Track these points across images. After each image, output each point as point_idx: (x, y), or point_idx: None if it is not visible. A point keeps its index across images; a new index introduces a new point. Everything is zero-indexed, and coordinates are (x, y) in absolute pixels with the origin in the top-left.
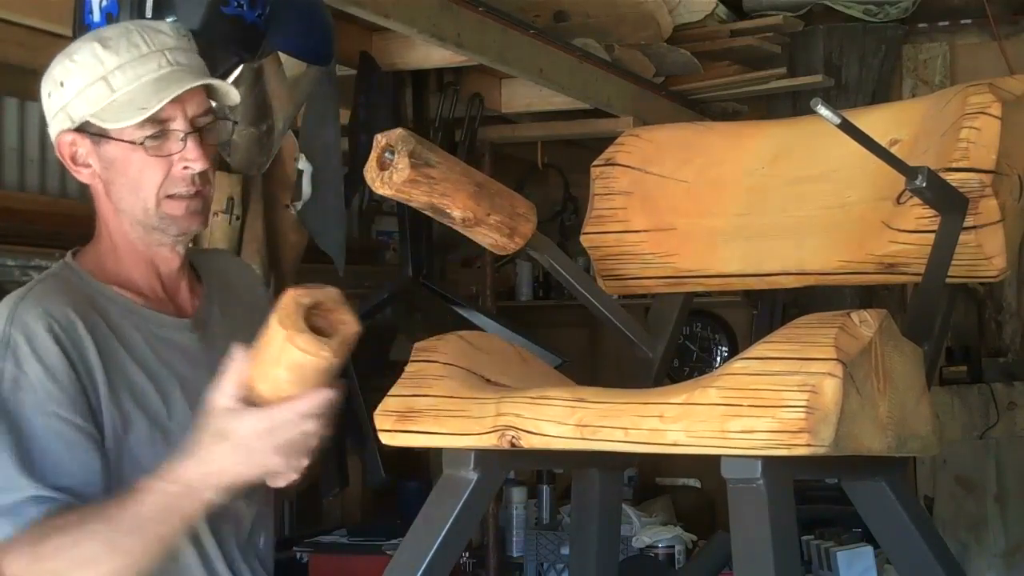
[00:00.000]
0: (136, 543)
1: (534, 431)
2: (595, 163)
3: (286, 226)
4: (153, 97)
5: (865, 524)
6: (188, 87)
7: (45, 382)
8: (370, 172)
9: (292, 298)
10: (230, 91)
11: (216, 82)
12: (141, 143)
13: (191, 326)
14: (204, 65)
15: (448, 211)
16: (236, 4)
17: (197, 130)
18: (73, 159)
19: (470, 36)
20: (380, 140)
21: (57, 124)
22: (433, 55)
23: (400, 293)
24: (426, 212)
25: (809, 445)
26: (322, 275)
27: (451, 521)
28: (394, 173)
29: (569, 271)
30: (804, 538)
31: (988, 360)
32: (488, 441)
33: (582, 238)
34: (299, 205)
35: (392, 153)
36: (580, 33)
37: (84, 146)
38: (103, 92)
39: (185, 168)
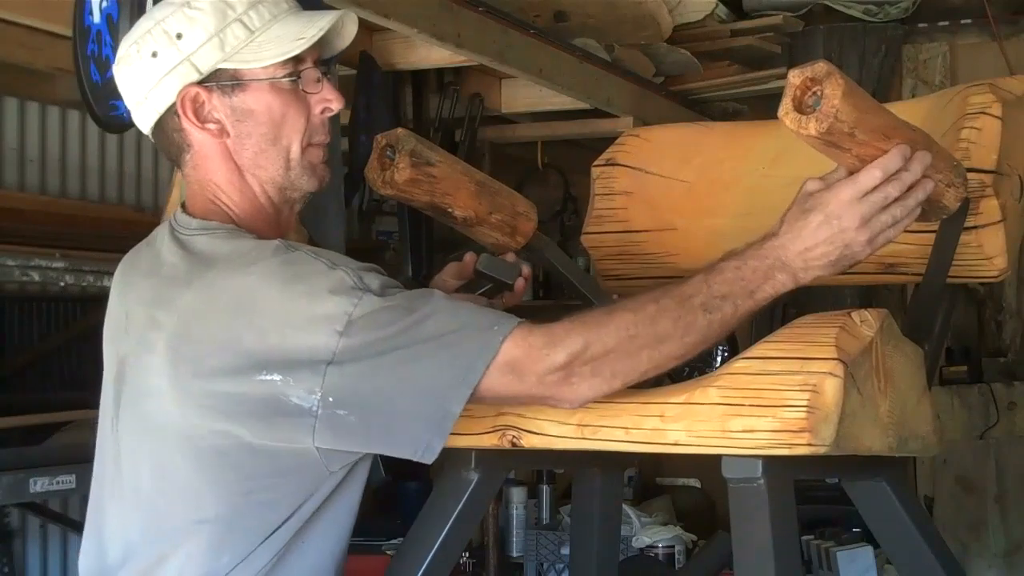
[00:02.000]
0: (713, 319)
1: (534, 431)
2: (595, 163)
3: None
4: (303, 30)
5: (865, 524)
6: (333, 19)
7: None
8: (371, 172)
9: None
10: (348, 28)
11: (347, 16)
12: (287, 80)
13: None
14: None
15: (449, 210)
16: None
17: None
18: (198, 115)
19: (470, 36)
20: (380, 140)
21: (178, 80)
22: (433, 55)
23: None
24: (427, 212)
25: (810, 445)
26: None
27: (451, 521)
28: (395, 173)
29: (569, 271)
30: (804, 538)
31: (988, 360)
32: (488, 441)
33: (583, 238)
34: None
35: (393, 153)
36: (580, 33)
37: (212, 99)
38: (242, 34)
39: (323, 111)
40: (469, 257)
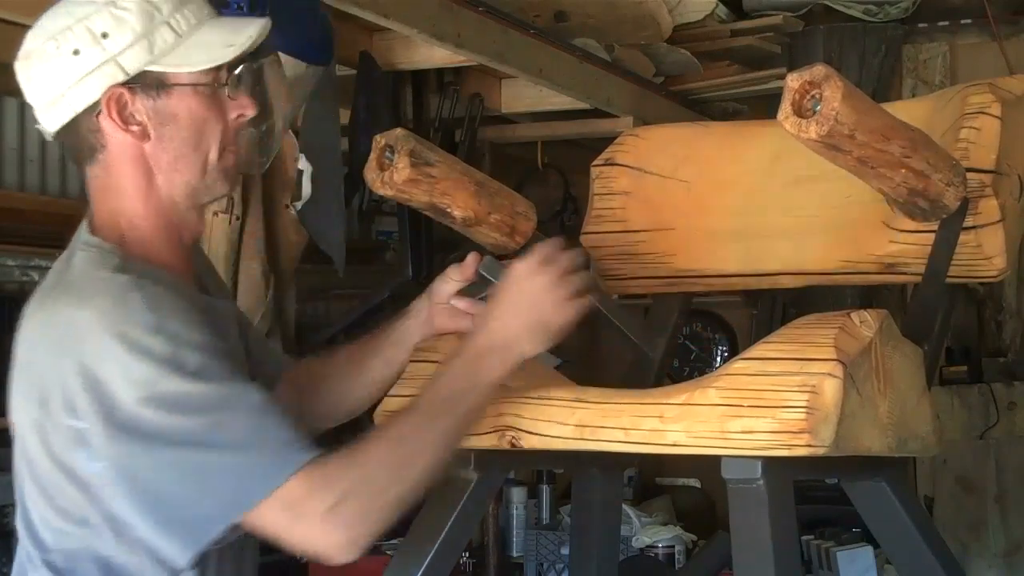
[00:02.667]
0: (454, 421)
1: (534, 431)
2: (595, 163)
3: (286, 226)
4: (232, 37)
5: (865, 524)
6: (260, 28)
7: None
8: (370, 172)
9: None
10: (262, 40)
11: (266, 26)
12: (208, 86)
13: (234, 311)
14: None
15: (448, 210)
16: (236, 6)
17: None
18: (121, 116)
19: (470, 36)
20: (380, 140)
21: (102, 80)
22: (433, 55)
23: (400, 293)
24: (426, 212)
25: (809, 445)
26: (322, 275)
27: (451, 521)
28: (394, 173)
29: None
30: (804, 538)
31: (988, 360)
32: (488, 441)
33: (582, 238)
34: (299, 205)
35: (392, 153)
36: (580, 33)
37: (137, 101)
38: (169, 37)
39: (239, 116)
40: (471, 259)
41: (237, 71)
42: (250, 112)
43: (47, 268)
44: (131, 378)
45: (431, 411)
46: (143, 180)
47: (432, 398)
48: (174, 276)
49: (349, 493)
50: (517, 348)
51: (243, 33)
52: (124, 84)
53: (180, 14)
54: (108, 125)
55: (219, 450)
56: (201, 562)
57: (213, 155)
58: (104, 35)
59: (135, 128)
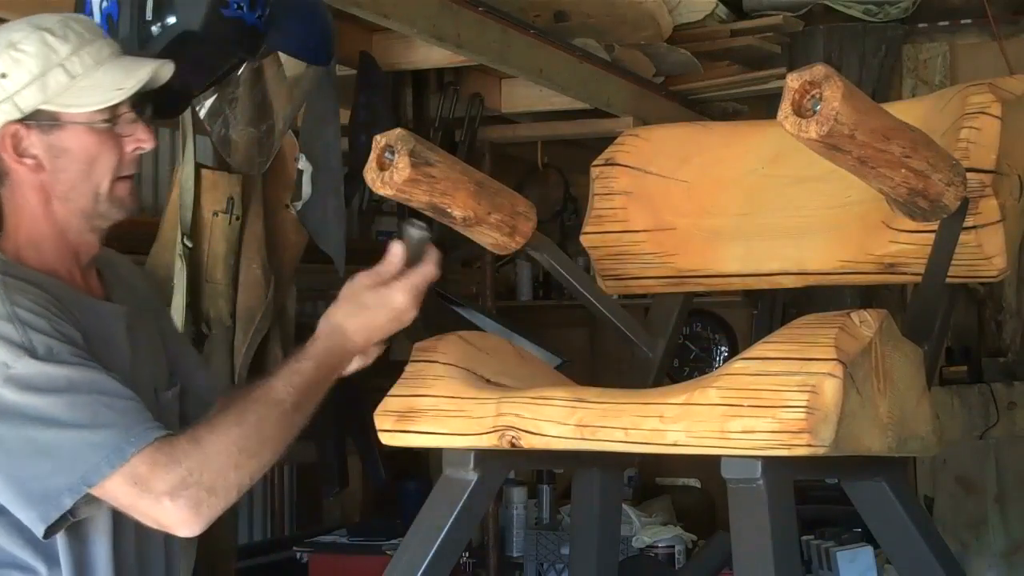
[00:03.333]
0: (295, 412)
1: (534, 431)
2: (595, 163)
3: (286, 226)
4: (123, 80)
5: (865, 524)
6: (152, 71)
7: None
8: (370, 172)
9: None
10: (162, 74)
11: (164, 65)
12: (103, 123)
13: (123, 313)
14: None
15: (448, 210)
16: (236, 6)
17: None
18: (16, 150)
19: (470, 36)
20: (380, 140)
21: (1, 116)
22: (433, 55)
23: None
24: (426, 212)
25: (809, 445)
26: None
27: (451, 521)
28: (394, 173)
29: (569, 271)
30: (804, 538)
31: (988, 360)
32: (488, 441)
33: (582, 238)
34: (299, 205)
35: (392, 153)
36: (580, 33)
37: (31, 136)
38: (63, 79)
39: (135, 149)
40: (397, 248)
41: (123, 110)
42: (147, 145)
43: None
44: None
45: (275, 402)
46: (41, 205)
47: (277, 389)
48: (57, 282)
49: (192, 473)
50: (351, 347)
51: (135, 76)
52: (20, 120)
53: (77, 56)
54: (7, 157)
55: (68, 428)
56: (80, 534)
57: (104, 186)
58: (3, 75)
59: (29, 161)
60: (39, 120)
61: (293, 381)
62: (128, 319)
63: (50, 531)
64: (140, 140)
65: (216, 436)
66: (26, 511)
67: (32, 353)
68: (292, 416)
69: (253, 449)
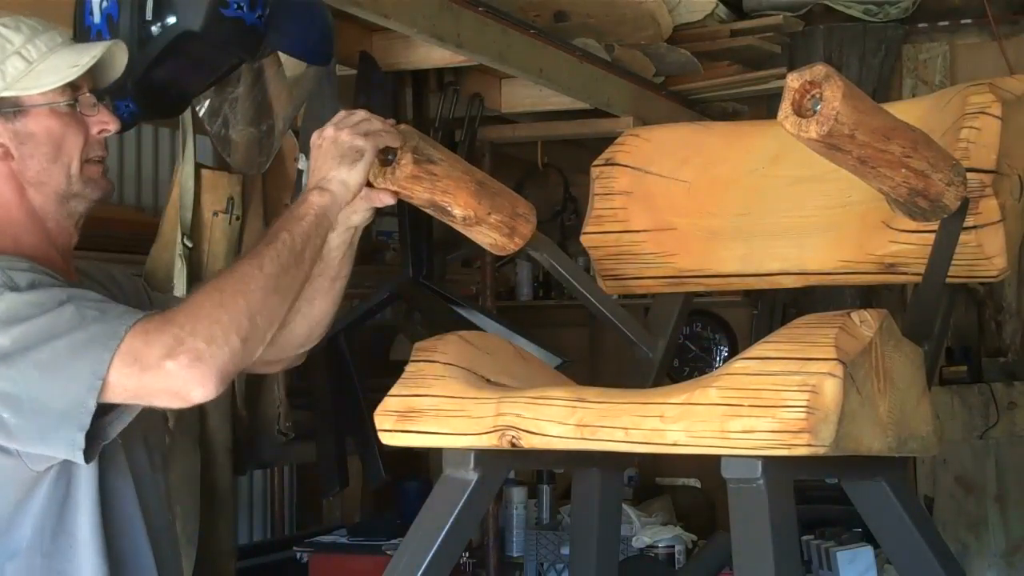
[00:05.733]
0: (302, 265)
1: (534, 431)
2: (595, 163)
3: None
4: (78, 59)
5: (865, 524)
6: (104, 48)
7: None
8: (372, 168)
9: None
10: (117, 54)
11: (116, 45)
12: (65, 106)
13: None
14: None
15: (449, 209)
16: (236, 6)
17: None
18: None
19: (470, 36)
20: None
21: None
22: (433, 55)
23: (400, 293)
24: (427, 210)
25: (809, 445)
26: None
27: (451, 521)
28: (396, 168)
29: (569, 271)
30: (804, 538)
31: (988, 360)
32: (488, 441)
33: (582, 238)
34: None
35: (392, 152)
36: (580, 33)
37: None
38: (20, 65)
39: (101, 131)
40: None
41: (83, 92)
42: (112, 127)
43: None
44: None
45: (251, 260)
46: (15, 194)
47: (252, 256)
48: (40, 266)
49: (183, 327)
50: (330, 180)
51: (88, 54)
52: None
53: (32, 44)
54: None
55: (62, 336)
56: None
57: (75, 166)
58: None
59: None
60: (2, 108)
61: (266, 243)
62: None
63: (89, 453)
64: (104, 122)
65: (198, 293)
66: (60, 433)
67: (15, 288)
68: (276, 267)
69: (237, 290)
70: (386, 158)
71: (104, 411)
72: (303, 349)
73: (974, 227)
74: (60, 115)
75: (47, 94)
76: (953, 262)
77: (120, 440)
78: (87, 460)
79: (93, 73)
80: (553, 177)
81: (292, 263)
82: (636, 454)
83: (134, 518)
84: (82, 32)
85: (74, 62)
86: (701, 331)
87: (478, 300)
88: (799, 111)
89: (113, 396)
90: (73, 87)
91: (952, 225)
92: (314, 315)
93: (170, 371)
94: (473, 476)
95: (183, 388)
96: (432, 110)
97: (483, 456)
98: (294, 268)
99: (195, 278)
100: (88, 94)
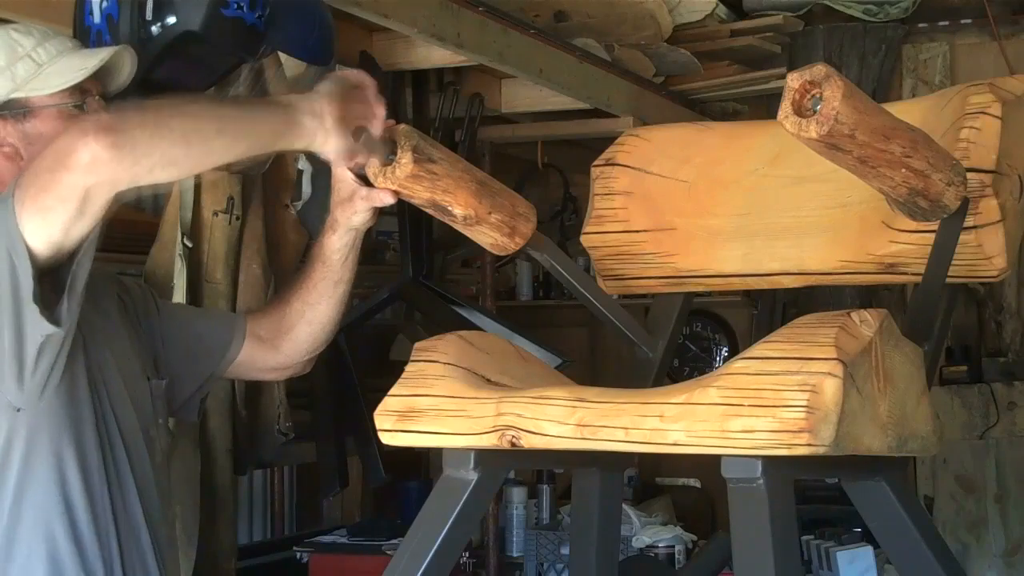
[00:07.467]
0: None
1: (534, 431)
2: (595, 163)
3: (286, 226)
4: (85, 62)
5: (865, 524)
6: (111, 53)
7: None
8: (371, 167)
9: None
10: (125, 59)
11: (125, 50)
12: (73, 107)
13: (114, 303)
14: None
15: (449, 208)
16: (236, 6)
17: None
18: None
19: (470, 36)
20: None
21: None
22: (433, 55)
23: (400, 293)
24: (427, 209)
25: (810, 445)
26: None
27: (451, 521)
28: (397, 168)
29: (569, 271)
30: (804, 538)
31: (988, 360)
32: (488, 441)
33: (582, 238)
34: (299, 205)
35: (392, 152)
36: (580, 33)
37: (7, 126)
38: (30, 67)
39: None
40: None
41: (91, 95)
42: None
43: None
44: None
45: (198, 107)
46: None
47: (209, 105)
48: None
49: (104, 122)
50: (301, 119)
51: (95, 57)
52: None
53: (42, 47)
54: None
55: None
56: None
57: None
58: None
59: (7, 150)
60: (11, 109)
61: (218, 103)
62: (117, 309)
63: (54, 313)
64: None
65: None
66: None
67: None
68: (202, 124)
69: (159, 123)
70: (387, 158)
71: (59, 273)
72: (309, 355)
73: (974, 227)
74: (69, 116)
75: (55, 96)
76: (953, 262)
77: (120, 433)
78: (57, 320)
79: (102, 78)
80: (553, 177)
81: (214, 133)
82: (636, 454)
83: (135, 515)
84: (82, 32)
85: (82, 65)
86: (701, 331)
87: (478, 300)
88: (799, 111)
89: (40, 236)
90: (82, 90)
91: (952, 225)
92: (318, 319)
93: (78, 142)
94: (473, 476)
95: (89, 150)
96: (432, 110)
97: (483, 456)
98: (215, 138)
99: (195, 278)
100: (96, 98)
